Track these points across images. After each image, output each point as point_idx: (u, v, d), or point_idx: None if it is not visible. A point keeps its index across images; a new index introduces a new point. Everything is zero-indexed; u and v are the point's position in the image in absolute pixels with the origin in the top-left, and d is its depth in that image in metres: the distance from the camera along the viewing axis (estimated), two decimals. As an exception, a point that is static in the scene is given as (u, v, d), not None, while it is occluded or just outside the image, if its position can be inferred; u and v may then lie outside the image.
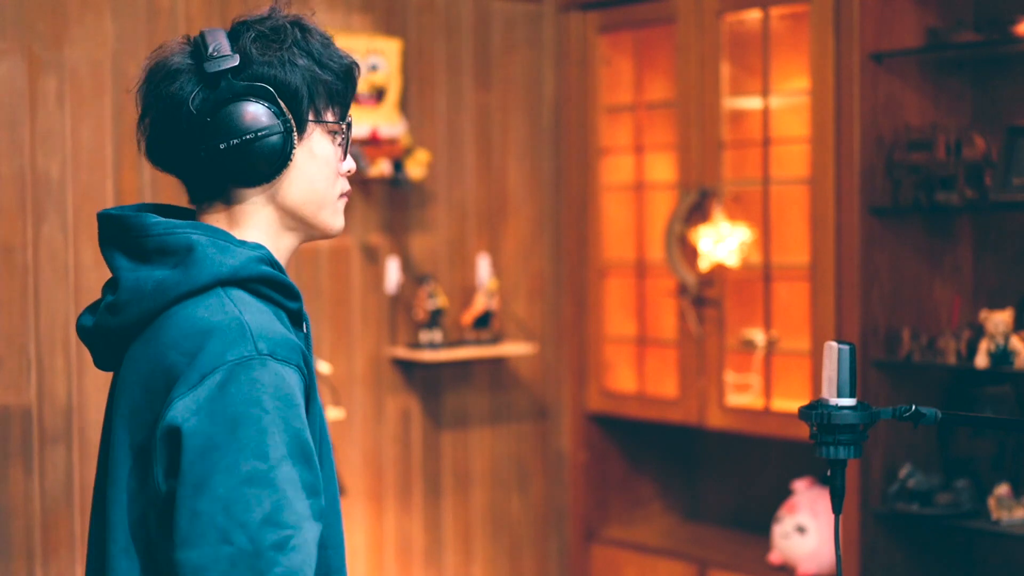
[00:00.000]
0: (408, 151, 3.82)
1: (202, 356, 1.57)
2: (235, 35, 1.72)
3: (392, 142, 3.79)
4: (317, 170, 1.74)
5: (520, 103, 4.20)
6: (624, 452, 4.38)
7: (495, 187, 4.15)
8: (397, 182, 3.80)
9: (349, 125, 1.79)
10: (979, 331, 3.31)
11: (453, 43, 4.04)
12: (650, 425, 4.25)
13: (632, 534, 4.29)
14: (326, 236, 1.80)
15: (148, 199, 3.33)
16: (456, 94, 4.05)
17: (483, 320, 4.01)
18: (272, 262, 1.72)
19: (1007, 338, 3.22)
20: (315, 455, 1.61)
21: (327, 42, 1.75)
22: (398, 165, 3.79)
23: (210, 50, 1.69)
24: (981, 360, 3.25)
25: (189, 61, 1.70)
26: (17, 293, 3.16)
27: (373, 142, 3.73)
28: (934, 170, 3.38)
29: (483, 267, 4.02)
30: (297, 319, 1.75)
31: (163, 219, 1.69)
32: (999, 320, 3.23)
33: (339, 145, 1.77)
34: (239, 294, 1.65)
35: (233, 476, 1.53)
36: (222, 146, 1.67)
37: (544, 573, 4.32)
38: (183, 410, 1.56)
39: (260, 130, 1.67)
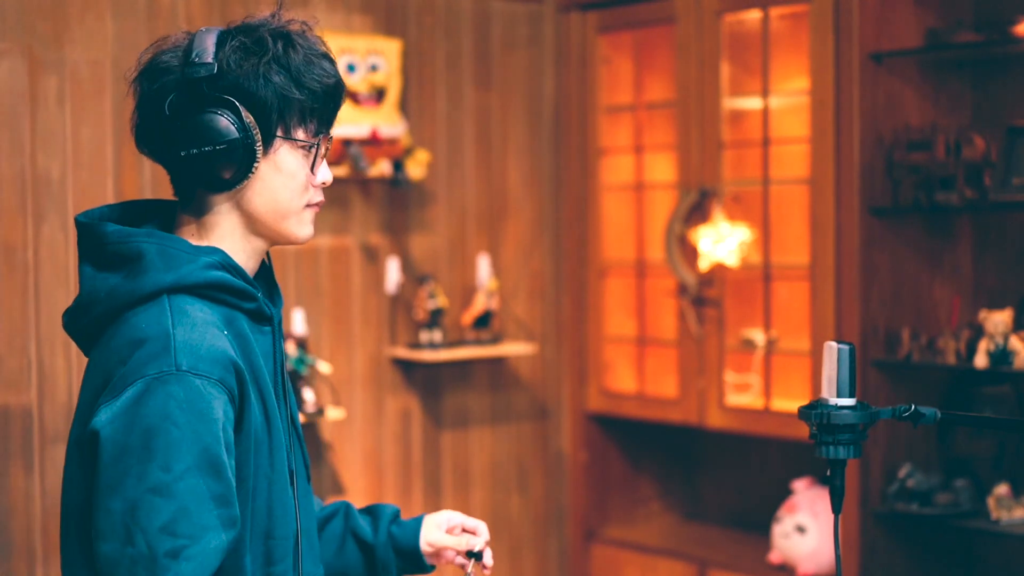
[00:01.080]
0: (408, 151, 3.82)
1: (128, 366, 1.67)
2: (222, 41, 1.76)
3: (392, 142, 3.79)
4: (281, 183, 1.80)
5: (520, 103, 4.21)
6: (624, 452, 4.39)
7: (495, 187, 4.15)
8: (397, 182, 3.80)
9: (327, 139, 1.83)
10: (979, 331, 3.31)
11: (453, 43, 4.04)
12: (650, 425, 4.25)
13: (632, 534, 4.29)
14: (291, 243, 1.87)
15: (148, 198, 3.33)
16: (456, 94, 4.05)
17: (483, 320, 4.01)
18: (228, 265, 1.78)
19: (1006, 338, 3.22)
20: (227, 467, 1.68)
21: (312, 58, 1.78)
22: (398, 165, 3.79)
23: (193, 55, 1.75)
24: (981, 360, 3.25)
25: (176, 62, 1.77)
26: (17, 293, 3.16)
27: (373, 142, 3.73)
28: (934, 170, 3.38)
29: (483, 267, 4.02)
30: (259, 317, 1.82)
31: (120, 228, 1.78)
32: (999, 320, 3.23)
33: (311, 159, 1.81)
34: (184, 302, 1.72)
35: (141, 483, 1.62)
36: (183, 153, 1.75)
37: (544, 573, 4.32)
38: (103, 416, 1.66)
39: (220, 143, 1.73)
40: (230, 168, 1.75)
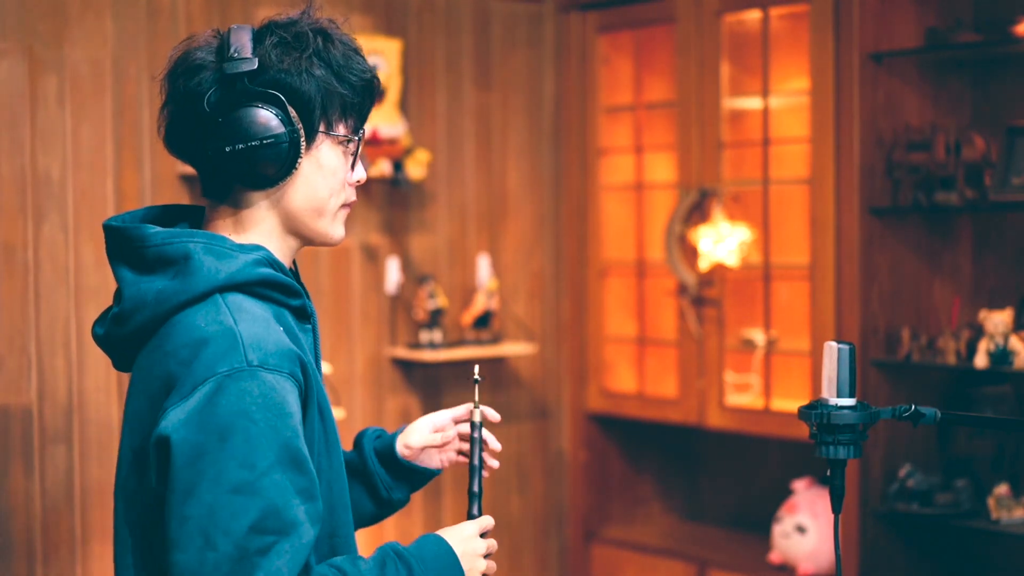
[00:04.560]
0: (408, 151, 3.82)
1: (195, 366, 1.62)
2: (260, 37, 1.74)
3: (392, 142, 3.79)
4: (322, 180, 1.78)
5: (520, 103, 4.21)
6: (624, 452, 4.39)
7: (495, 187, 4.16)
8: (397, 182, 3.80)
9: (362, 136, 1.82)
10: (979, 331, 3.31)
11: (453, 43, 4.04)
12: (650, 425, 4.25)
13: (632, 534, 4.29)
14: (325, 244, 1.84)
15: (148, 199, 3.33)
16: (456, 94, 4.05)
17: (483, 320, 4.01)
18: (272, 262, 1.75)
19: (1007, 338, 3.22)
20: (308, 460, 1.65)
21: (350, 53, 1.78)
22: (398, 165, 3.79)
23: (231, 50, 1.72)
24: (981, 360, 3.25)
25: (212, 58, 1.73)
26: (17, 293, 3.16)
27: (373, 142, 3.73)
28: (934, 170, 3.38)
29: (483, 267, 4.02)
30: (302, 314, 1.80)
31: (161, 229, 1.73)
32: (999, 320, 3.23)
33: (350, 156, 1.80)
34: (237, 299, 1.69)
35: (220, 485, 1.58)
36: (227, 149, 1.71)
37: (544, 573, 4.32)
38: (174, 419, 1.61)
39: (266, 137, 1.70)
40: (274, 164, 1.72)
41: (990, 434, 3.50)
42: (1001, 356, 3.22)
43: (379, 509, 2.09)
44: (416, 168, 3.82)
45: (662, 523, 4.45)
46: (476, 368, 2.03)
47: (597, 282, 4.25)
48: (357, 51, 1.80)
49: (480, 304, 3.99)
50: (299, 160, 1.73)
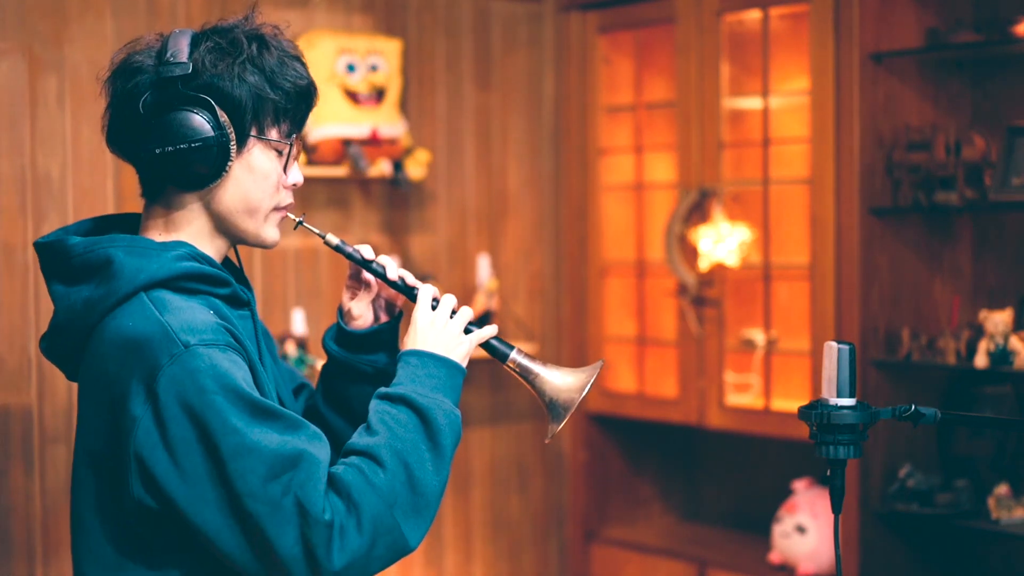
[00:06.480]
0: (408, 151, 3.82)
1: (140, 368, 1.67)
2: (197, 42, 1.78)
3: (392, 142, 3.79)
4: (253, 183, 1.81)
5: (520, 103, 4.21)
6: (624, 452, 4.38)
7: (495, 187, 4.16)
8: (397, 182, 3.80)
9: (298, 140, 1.85)
10: (979, 331, 3.31)
11: (453, 43, 4.04)
12: (650, 425, 4.25)
13: (632, 534, 4.29)
14: (258, 246, 1.88)
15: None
16: (456, 94, 4.05)
17: (483, 320, 4.01)
18: (196, 256, 1.79)
19: (1007, 338, 3.22)
20: (274, 405, 1.70)
21: (286, 59, 1.81)
22: (398, 165, 3.79)
23: (168, 55, 1.76)
24: (981, 360, 3.25)
25: (151, 62, 1.78)
26: (17, 293, 3.16)
27: (373, 142, 3.73)
28: (934, 170, 3.38)
29: (483, 267, 4.02)
30: (236, 302, 1.84)
31: (84, 239, 1.79)
32: (999, 320, 3.23)
33: (284, 160, 1.83)
34: (162, 296, 1.74)
35: (221, 462, 1.64)
36: (157, 151, 1.76)
37: (544, 573, 4.32)
38: (144, 438, 1.67)
39: (194, 140, 1.74)
40: (203, 166, 1.76)
41: (990, 434, 3.50)
42: (1001, 356, 3.22)
43: (380, 384, 2.01)
44: (416, 168, 3.82)
45: (662, 523, 4.45)
46: (291, 215, 1.94)
47: (597, 282, 4.25)
48: (296, 58, 1.83)
49: (480, 304, 3.99)
50: (229, 163, 1.77)
